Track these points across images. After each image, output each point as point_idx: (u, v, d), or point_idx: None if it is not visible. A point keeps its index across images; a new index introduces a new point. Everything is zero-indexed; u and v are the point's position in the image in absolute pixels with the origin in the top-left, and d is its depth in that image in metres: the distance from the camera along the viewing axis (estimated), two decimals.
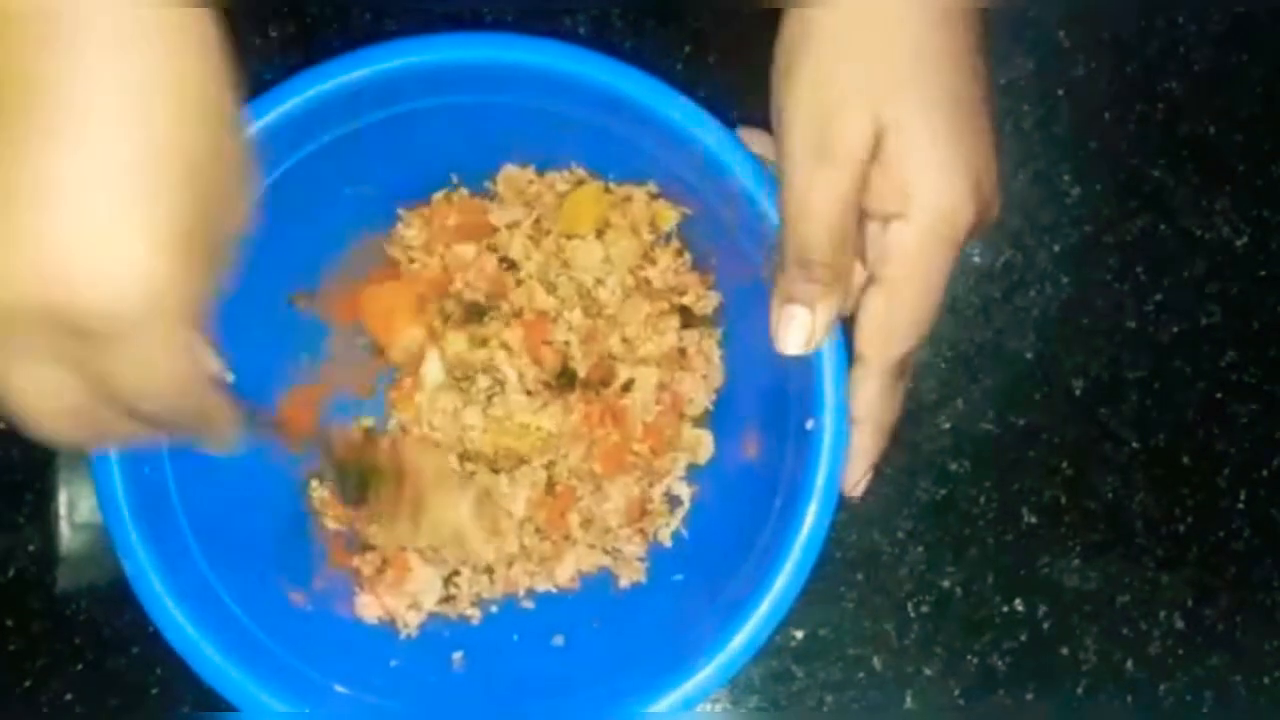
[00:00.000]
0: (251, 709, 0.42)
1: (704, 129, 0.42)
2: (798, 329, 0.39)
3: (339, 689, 0.45)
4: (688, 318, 0.51)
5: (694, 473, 0.51)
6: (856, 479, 0.41)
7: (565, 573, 0.50)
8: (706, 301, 0.51)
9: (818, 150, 0.36)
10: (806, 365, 0.41)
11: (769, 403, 0.46)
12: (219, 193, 0.26)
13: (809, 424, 0.42)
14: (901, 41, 0.36)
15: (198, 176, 0.25)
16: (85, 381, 0.26)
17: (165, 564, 0.42)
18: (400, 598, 0.50)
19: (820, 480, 0.41)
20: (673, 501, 0.51)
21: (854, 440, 0.41)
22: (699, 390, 0.50)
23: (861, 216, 0.37)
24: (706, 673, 0.41)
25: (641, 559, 0.51)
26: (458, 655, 0.49)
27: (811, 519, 0.41)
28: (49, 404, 0.27)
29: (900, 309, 0.37)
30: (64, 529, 0.54)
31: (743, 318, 0.49)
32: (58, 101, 0.23)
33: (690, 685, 0.41)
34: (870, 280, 0.38)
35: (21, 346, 0.25)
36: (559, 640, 0.49)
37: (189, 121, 0.25)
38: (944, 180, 0.36)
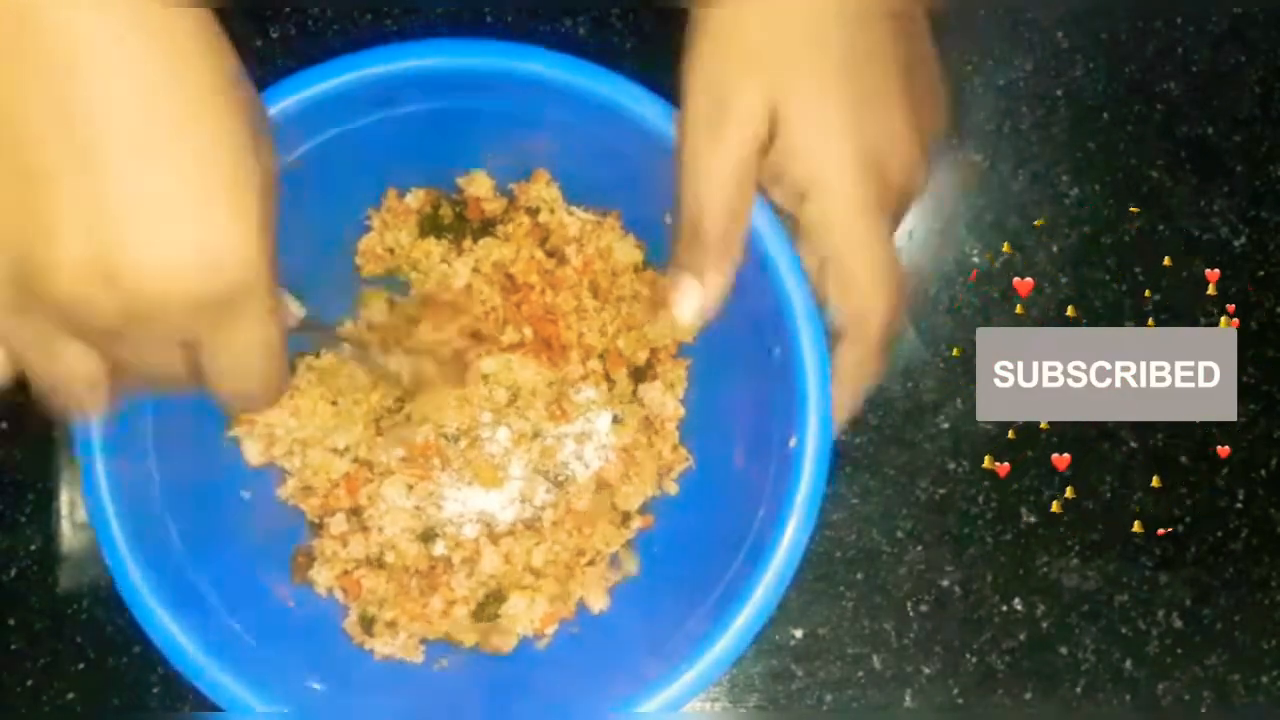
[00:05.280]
0: (230, 705, 0.42)
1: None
2: (691, 298, 0.39)
3: (317, 686, 0.45)
4: (639, 374, 0.51)
5: (681, 481, 0.51)
6: (841, 422, 0.41)
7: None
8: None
9: (710, 121, 0.36)
10: (789, 384, 0.42)
11: (752, 420, 0.46)
12: (268, 170, 0.29)
13: (791, 442, 0.42)
14: (797, 9, 0.36)
15: (257, 163, 0.29)
16: (188, 357, 0.30)
17: (147, 559, 0.42)
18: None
19: (800, 498, 0.41)
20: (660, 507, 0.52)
21: (834, 394, 0.40)
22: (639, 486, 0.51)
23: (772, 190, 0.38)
24: (690, 676, 0.41)
25: (607, 576, 0.51)
26: (443, 660, 0.49)
27: (791, 533, 0.41)
28: (164, 381, 0.31)
29: (846, 282, 0.37)
30: (65, 529, 0.54)
31: (726, 335, 0.49)
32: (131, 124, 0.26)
33: (675, 688, 0.41)
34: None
35: (151, 336, 0.29)
36: (542, 643, 0.49)
37: (231, 108, 0.28)
38: (835, 152, 0.36)
